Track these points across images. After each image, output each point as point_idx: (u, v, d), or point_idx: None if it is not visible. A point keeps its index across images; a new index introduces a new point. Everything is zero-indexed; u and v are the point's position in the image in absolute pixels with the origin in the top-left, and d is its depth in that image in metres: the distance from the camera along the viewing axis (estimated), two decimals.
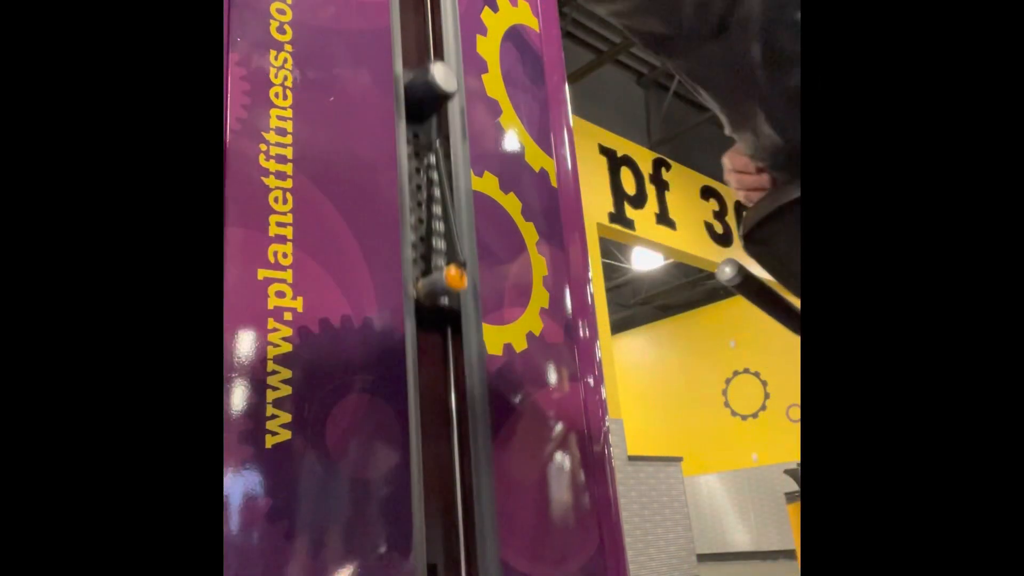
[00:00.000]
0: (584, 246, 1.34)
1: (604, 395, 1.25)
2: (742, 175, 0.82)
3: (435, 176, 1.11)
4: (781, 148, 0.70)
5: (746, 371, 9.63)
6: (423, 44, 1.21)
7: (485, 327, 1.09)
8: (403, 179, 1.05)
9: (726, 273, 0.80)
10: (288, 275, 0.90)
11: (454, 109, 1.17)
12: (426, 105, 1.14)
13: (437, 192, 1.11)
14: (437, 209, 1.10)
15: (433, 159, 1.13)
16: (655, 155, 7.32)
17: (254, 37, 0.97)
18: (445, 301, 1.05)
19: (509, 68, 1.30)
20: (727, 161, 0.83)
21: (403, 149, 1.07)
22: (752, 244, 0.77)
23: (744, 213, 0.77)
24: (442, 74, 1.10)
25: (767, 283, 0.83)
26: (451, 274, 0.99)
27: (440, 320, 1.08)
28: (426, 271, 1.06)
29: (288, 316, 0.88)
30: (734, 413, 9.70)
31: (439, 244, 1.08)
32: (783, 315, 0.87)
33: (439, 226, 1.09)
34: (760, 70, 0.64)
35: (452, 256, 1.07)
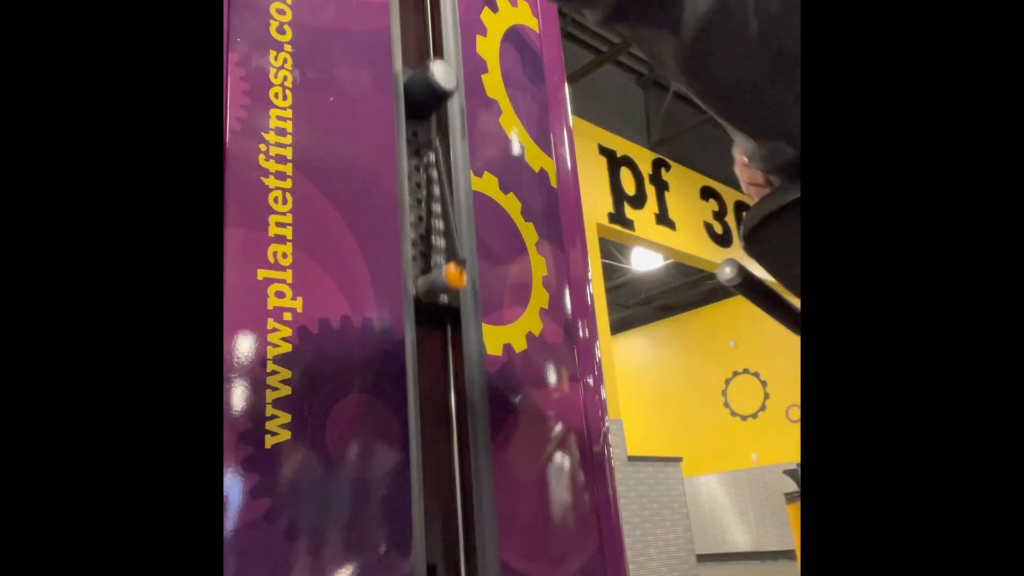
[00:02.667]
0: (584, 246, 1.34)
1: (604, 395, 1.25)
2: (747, 169, 0.82)
3: (434, 174, 1.11)
4: (775, 153, 0.69)
5: (746, 371, 9.63)
6: (423, 44, 1.21)
7: (485, 327, 1.09)
8: (402, 178, 1.05)
9: (726, 273, 0.80)
10: (288, 275, 0.90)
11: (453, 108, 1.17)
12: (426, 103, 1.13)
13: (437, 190, 1.10)
14: (437, 207, 1.10)
15: (432, 157, 1.12)
16: (655, 155, 7.32)
17: (254, 37, 0.97)
18: (445, 299, 1.05)
19: (509, 68, 1.30)
20: (737, 154, 0.83)
21: (403, 147, 1.07)
22: (752, 244, 0.77)
23: (745, 213, 0.78)
24: (441, 72, 1.09)
25: (768, 284, 0.83)
26: (450, 272, 0.99)
27: (440, 318, 1.08)
28: (426, 269, 1.06)
29: (288, 316, 0.88)
30: (734, 413, 9.69)
31: (439, 242, 1.08)
32: (784, 315, 0.87)
33: (438, 224, 1.09)
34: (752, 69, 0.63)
35: (451, 254, 1.07)
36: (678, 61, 0.63)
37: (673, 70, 0.66)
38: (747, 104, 0.66)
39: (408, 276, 1.02)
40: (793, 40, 0.58)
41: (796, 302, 0.83)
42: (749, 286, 0.81)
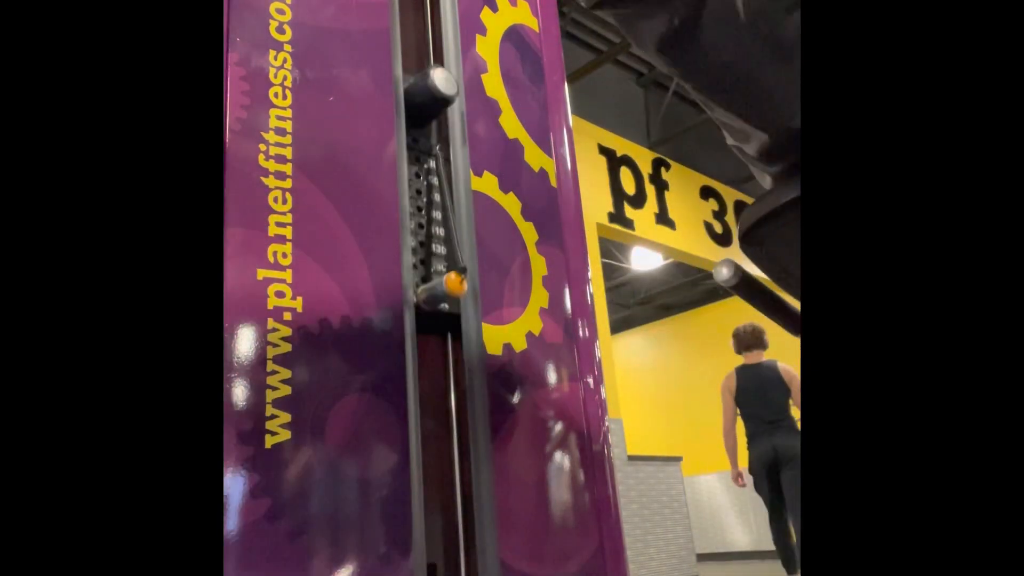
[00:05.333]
0: (584, 246, 1.34)
1: (604, 395, 1.25)
2: None
3: (435, 181, 1.11)
4: (771, 144, 0.70)
5: None
6: (423, 44, 1.21)
7: (485, 327, 1.09)
8: (403, 184, 1.05)
9: (723, 274, 0.80)
10: (288, 275, 0.90)
11: (454, 114, 1.17)
12: (426, 110, 1.13)
13: (437, 197, 1.10)
14: (437, 214, 1.10)
15: (433, 164, 1.12)
16: (654, 155, 7.32)
17: (254, 37, 0.97)
18: (446, 307, 1.05)
19: (509, 68, 1.30)
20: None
21: (403, 154, 1.07)
22: (748, 244, 0.78)
23: (742, 213, 0.77)
24: (442, 79, 1.09)
25: (764, 284, 0.83)
26: (451, 280, 0.99)
27: (441, 325, 1.08)
28: (426, 276, 1.06)
29: (288, 316, 0.88)
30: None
31: (439, 249, 1.07)
32: (781, 316, 0.86)
33: (439, 231, 1.08)
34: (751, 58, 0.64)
35: (452, 262, 1.07)
36: (664, 40, 0.64)
37: (655, 50, 0.67)
38: (733, 86, 0.66)
39: (409, 283, 1.02)
40: (779, 26, 0.58)
41: (794, 303, 0.84)
42: (746, 287, 0.81)
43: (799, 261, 0.71)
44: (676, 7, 0.63)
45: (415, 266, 1.06)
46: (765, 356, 4.18)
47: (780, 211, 0.69)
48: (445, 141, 1.17)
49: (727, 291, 0.86)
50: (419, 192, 1.11)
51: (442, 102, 1.12)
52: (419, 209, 1.10)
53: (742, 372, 4.18)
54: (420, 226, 1.09)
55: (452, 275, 0.99)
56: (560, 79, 1.43)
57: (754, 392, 4.06)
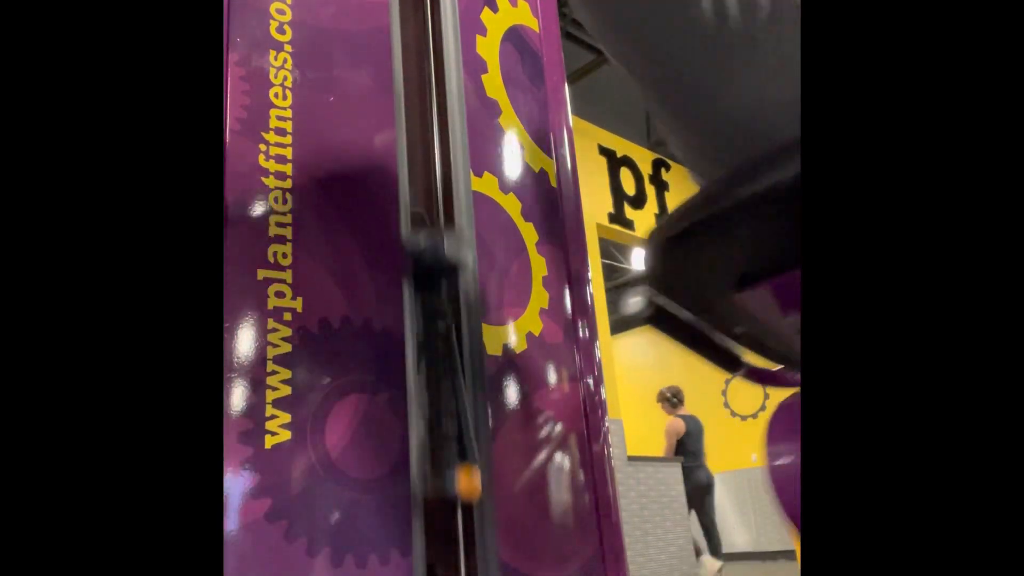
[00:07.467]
0: (584, 246, 1.34)
1: (604, 395, 1.25)
2: None
3: (446, 346, 1.00)
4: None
5: None
6: (423, 44, 1.21)
7: (485, 327, 1.08)
8: (410, 356, 0.97)
9: (634, 305, 0.69)
10: (288, 275, 0.90)
11: (466, 280, 1.08)
12: (435, 272, 1.01)
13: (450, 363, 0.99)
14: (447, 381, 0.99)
15: (442, 327, 1.00)
16: (655, 155, 7.32)
17: (254, 37, 0.97)
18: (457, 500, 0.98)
19: (509, 68, 1.30)
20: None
21: (410, 323, 0.98)
22: (657, 274, 0.64)
23: (651, 230, 0.61)
24: (453, 246, 0.99)
25: (684, 315, 0.72)
26: (463, 482, 0.90)
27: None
28: (435, 458, 0.95)
29: (288, 316, 0.88)
30: (734, 414, 9.68)
31: (448, 427, 0.96)
32: (708, 351, 0.74)
33: (449, 404, 0.97)
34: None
35: (464, 455, 0.94)
36: None
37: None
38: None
39: (416, 468, 0.93)
40: None
41: (716, 336, 0.73)
42: (662, 318, 0.69)
43: (720, 290, 0.61)
44: None
45: (423, 450, 0.95)
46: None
47: (696, 229, 0.54)
48: (456, 310, 1.05)
49: None
50: (429, 364, 0.99)
51: (452, 268, 1.01)
52: (427, 384, 0.98)
53: (688, 420, 5.61)
54: (430, 401, 0.97)
55: (464, 475, 0.90)
56: (560, 79, 1.43)
57: (695, 436, 5.56)
